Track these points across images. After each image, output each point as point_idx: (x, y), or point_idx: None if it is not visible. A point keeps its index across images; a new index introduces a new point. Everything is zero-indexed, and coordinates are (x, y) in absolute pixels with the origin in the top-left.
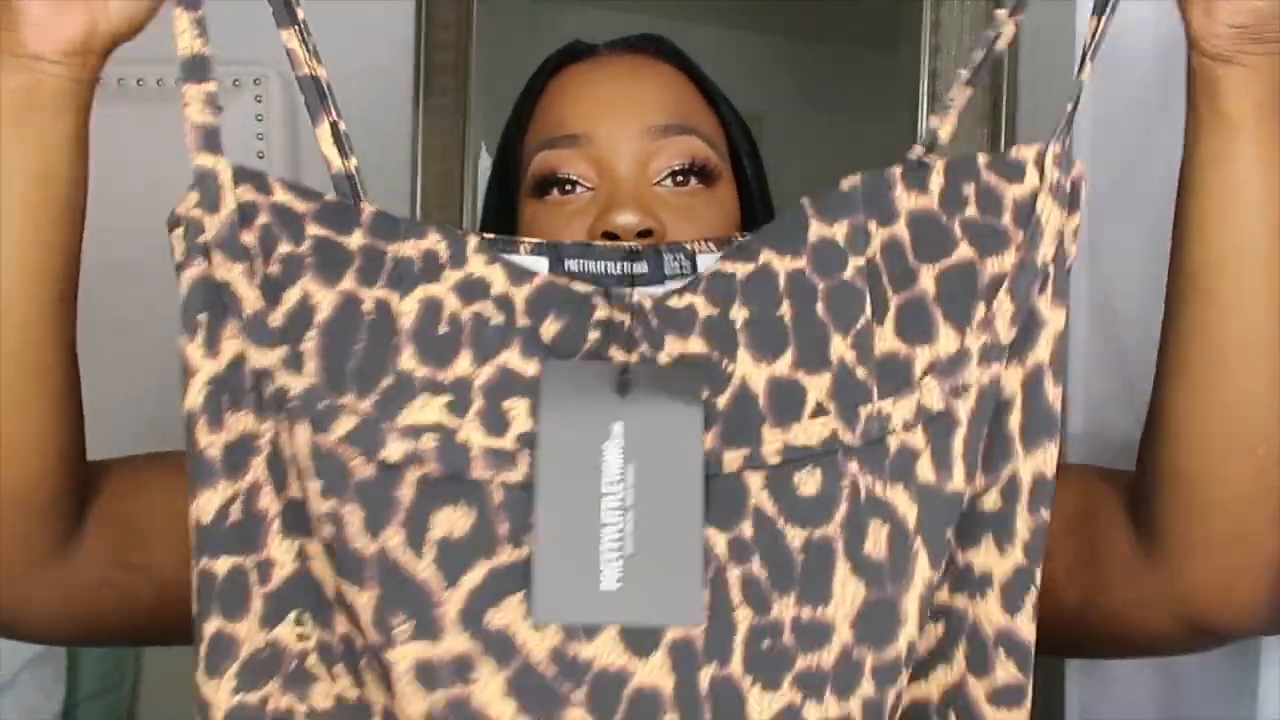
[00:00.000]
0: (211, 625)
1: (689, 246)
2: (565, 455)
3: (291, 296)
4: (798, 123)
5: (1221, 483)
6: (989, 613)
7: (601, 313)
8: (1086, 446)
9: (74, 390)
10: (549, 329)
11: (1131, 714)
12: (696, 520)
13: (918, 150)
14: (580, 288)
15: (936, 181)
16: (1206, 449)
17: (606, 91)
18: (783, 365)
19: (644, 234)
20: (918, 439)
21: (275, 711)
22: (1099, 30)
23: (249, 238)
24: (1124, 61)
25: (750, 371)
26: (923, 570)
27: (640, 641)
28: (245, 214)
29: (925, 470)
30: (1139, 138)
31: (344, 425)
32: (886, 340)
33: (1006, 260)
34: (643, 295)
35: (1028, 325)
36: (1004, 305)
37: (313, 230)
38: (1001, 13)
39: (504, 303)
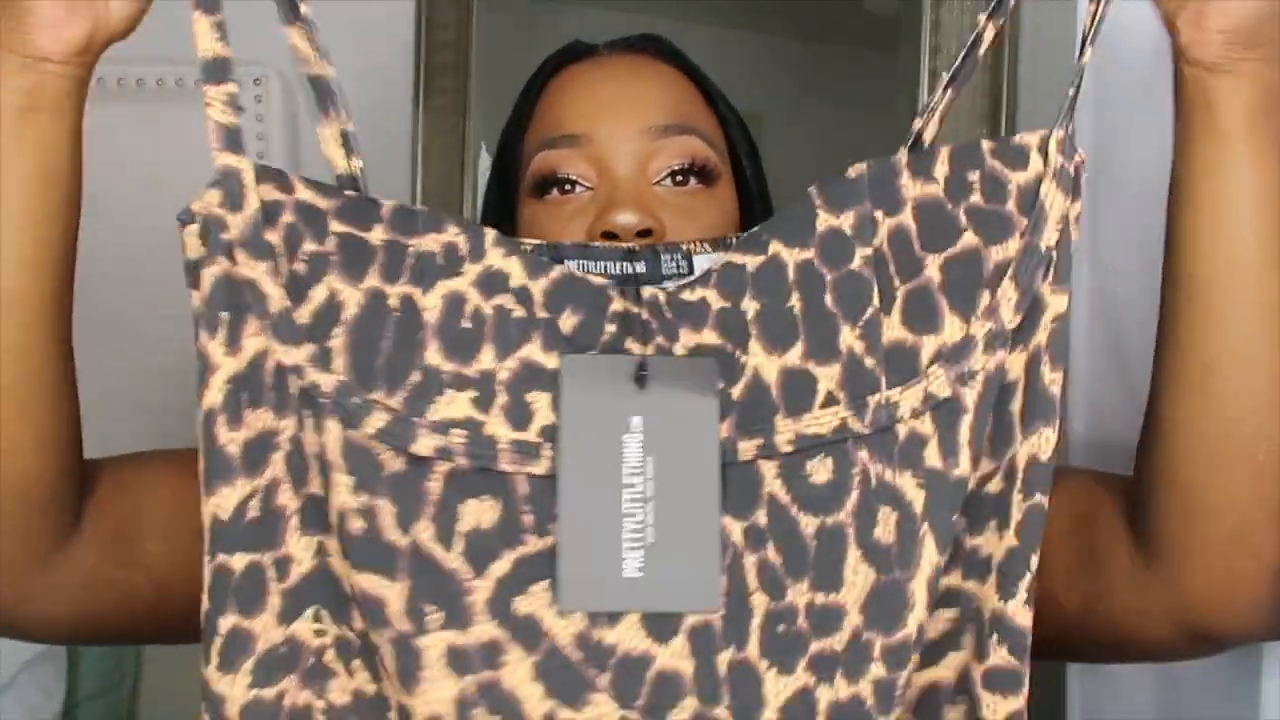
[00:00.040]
0: (228, 621)
1: (685, 247)
2: (587, 449)
3: (318, 294)
4: (798, 123)
5: (1220, 488)
6: (987, 597)
7: (617, 306)
8: (1087, 449)
9: (71, 385)
10: (567, 322)
11: (1133, 715)
12: (714, 510)
13: (903, 153)
14: (596, 280)
15: (941, 169)
16: (1205, 455)
17: (606, 91)
18: (794, 356)
19: (643, 233)
20: (925, 426)
21: (292, 706)
22: (1098, 14)
23: (273, 236)
24: (1124, 59)
25: (762, 362)
26: (929, 555)
27: (661, 627)
28: (268, 213)
29: (933, 457)
30: (1142, 136)
31: (376, 421)
32: (894, 329)
33: (1011, 247)
34: (656, 289)
35: (1031, 310)
36: (1008, 292)
37: (336, 227)
38: (982, 17)
39: (523, 295)
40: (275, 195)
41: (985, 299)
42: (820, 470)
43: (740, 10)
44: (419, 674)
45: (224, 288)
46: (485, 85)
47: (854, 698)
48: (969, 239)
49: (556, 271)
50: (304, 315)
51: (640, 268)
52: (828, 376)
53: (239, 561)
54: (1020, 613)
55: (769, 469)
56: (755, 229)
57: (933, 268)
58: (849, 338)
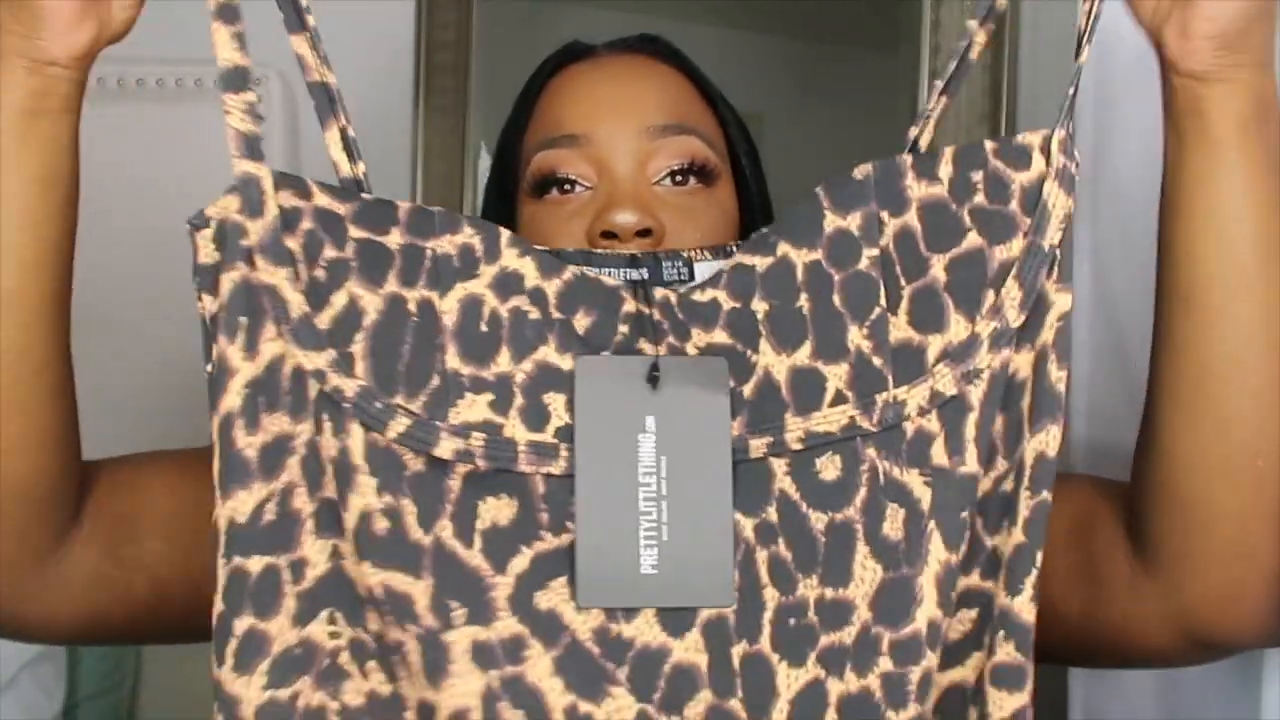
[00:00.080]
0: (243, 622)
1: (686, 254)
2: (602, 450)
3: (338, 300)
4: (798, 123)
5: (1219, 495)
6: (999, 593)
7: (629, 307)
8: (1088, 451)
9: (70, 385)
10: (581, 322)
11: (1135, 715)
12: (726, 508)
13: (906, 155)
14: (609, 282)
15: (946, 170)
16: (1203, 462)
17: (605, 91)
18: (803, 355)
19: (643, 233)
20: (932, 424)
21: (306, 708)
22: (1093, 13)
23: (293, 243)
24: (1123, 58)
25: (772, 361)
26: (937, 551)
27: (676, 621)
28: (288, 219)
29: (939, 454)
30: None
31: (398, 425)
32: (900, 329)
33: (1014, 246)
34: (667, 291)
35: (1036, 309)
36: (1012, 291)
37: (354, 233)
38: (973, 23)
39: (537, 296)
40: (294, 202)
41: (990, 298)
42: (829, 467)
43: (740, 10)
44: (447, 668)
45: (243, 293)
46: (485, 85)
47: (863, 690)
48: (973, 239)
49: (569, 272)
50: (324, 321)
51: (642, 274)
52: (836, 375)
53: (255, 564)
54: (1025, 609)
55: (779, 466)
56: (763, 231)
57: (938, 268)
58: (857, 337)
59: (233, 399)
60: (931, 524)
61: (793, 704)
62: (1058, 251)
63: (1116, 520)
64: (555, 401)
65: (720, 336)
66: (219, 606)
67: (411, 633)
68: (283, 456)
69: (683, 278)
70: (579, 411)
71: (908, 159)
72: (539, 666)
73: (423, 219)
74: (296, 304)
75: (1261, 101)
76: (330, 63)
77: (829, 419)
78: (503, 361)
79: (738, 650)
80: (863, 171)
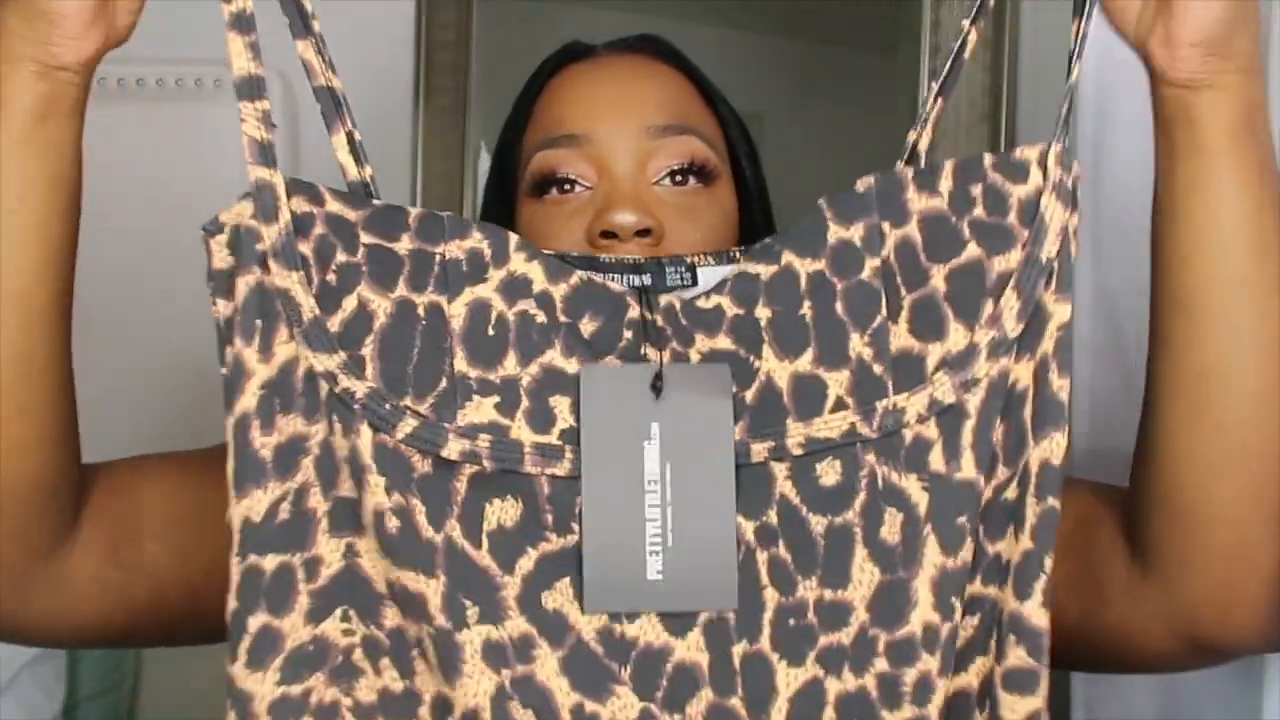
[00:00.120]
0: (257, 620)
1: (689, 259)
2: (608, 457)
3: (349, 304)
4: (798, 123)
5: (1216, 498)
6: (1006, 599)
7: (633, 313)
8: (1090, 454)
9: (70, 387)
10: (587, 327)
11: (1136, 714)
12: (730, 513)
13: (899, 167)
14: (615, 287)
15: (946, 183)
16: (1200, 465)
17: (605, 91)
18: (805, 362)
19: (643, 233)
20: (931, 431)
21: (319, 704)
22: (1080, 33)
23: (305, 247)
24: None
25: (775, 367)
26: (933, 555)
27: (677, 621)
28: (300, 224)
29: (937, 461)
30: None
31: (406, 427)
32: (901, 337)
33: (1013, 258)
34: (672, 297)
35: (1035, 319)
36: (1011, 301)
37: (365, 238)
38: (964, 22)
39: (544, 299)
40: (306, 207)
41: (989, 308)
42: (829, 472)
43: (740, 10)
44: (460, 667)
45: (258, 296)
46: (485, 85)
47: (860, 690)
48: (972, 250)
49: (576, 276)
50: (335, 324)
51: (645, 280)
52: (837, 382)
53: (270, 562)
54: (1037, 613)
55: (780, 470)
56: (767, 240)
57: (938, 278)
58: (858, 345)
59: (248, 400)
60: (928, 528)
61: (792, 702)
62: (1055, 263)
63: (1115, 525)
64: (561, 404)
65: (724, 342)
66: (232, 604)
67: (427, 631)
68: (297, 457)
69: (686, 283)
70: (585, 420)
71: (909, 172)
72: (547, 666)
73: (433, 224)
74: (308, 307)
75: (1251, 107)
76: (333, 65)
77: (830, 425)
78: (509, 365)
79: (738, 650)
80: (864, 184)
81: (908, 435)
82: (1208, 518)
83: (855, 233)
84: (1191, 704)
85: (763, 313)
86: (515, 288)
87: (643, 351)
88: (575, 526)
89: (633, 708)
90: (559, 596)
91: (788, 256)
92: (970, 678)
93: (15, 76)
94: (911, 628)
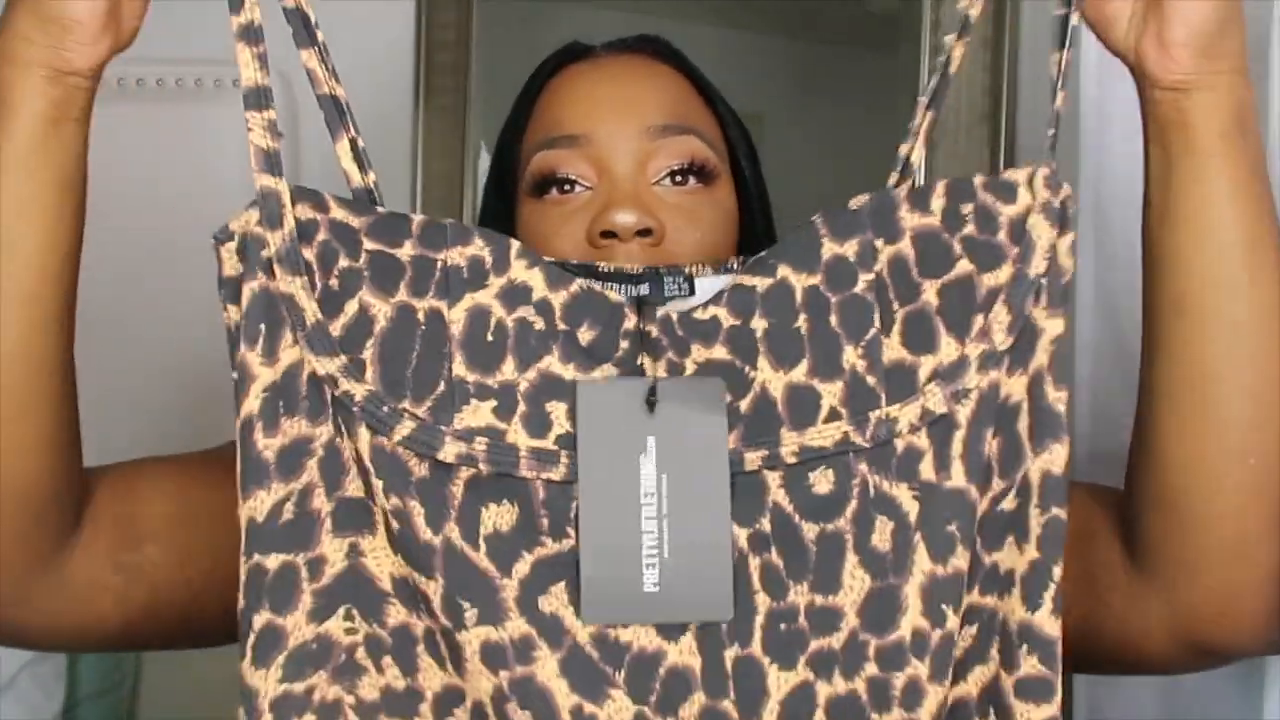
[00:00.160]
0: (261, 618)
1: (687, 270)
2: (605, 471)
3: (350, 308)
4: (798, 123)
5: (1214, 498)
6: (1013, 609)
7: (630, 323)
8: (1091, 457)
9: (73, 388)
10: (584, 335)
11: (1139, 715)
12: (725, 524)
13: (893, 179)
14: (613, 297)
15: (938, 202)
16: (1197, 465)
17: (605, 92)
18: (799, 373)
19: (643, 233)
20: (922, 441)
21: (322, 701)
22: (1063, 62)
23: (309, 253)
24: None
25: (770, 378)
26: (922, 562)
27: (670, 626)
28: (304, 231)
29: (928, 470)
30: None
31: (403, 429)
32: (893, 350)
33: (1002, 274)
34: (669, 309)
35: (1027, 334)
36: (1000, 315)
37: (368, 245)
38: (950, 38)
39: (543, 307)
40: (311, 214)
41: (979, 322)
42: (822, 481)
43: (740, 10)
44: (464, 665)
45: (262, 302)
46: (485, 85)
47: (851, 693)
48: (963, 266)
49: (576, 285)
50: (337, 328)
51: (643, 290)
52: (831, 393)
53: (273, 561)
54: (1048, 622)
55: (773, 479)
56: (762, 254)
57: (930, 293)
58: (851, 357)
59: (252, 403)
60: (918, 536)
61: (783, 705)
62: (1044, 279)
63: (1113, 528)
64: (557, 410)
65: (719, 352)
66: (240, 602)
67: (439, 625)
68: (301, 458)
69: (684, 293)
70: (581, 434)
71: (901, 191)
72: (546, 668)
73: (435, 232)
74: (311, 312)
75: (1242, 107)
76: (335, 69)
77: (823, 434)
78: (507, 370)
79: (730, 653)
80: (858, 202)
81: (899, 445)
82: (1206, 519)
83: (849, 248)
84: (1193, 705)
85: (758, 324)
86: (515, 295)
87: (639, 361)
88: (570, 531)
89: (627, 711)
90: (554, 600)
91: (783, 270)
92: (970, 687)
93: (28, 82)
94: (901, 633)
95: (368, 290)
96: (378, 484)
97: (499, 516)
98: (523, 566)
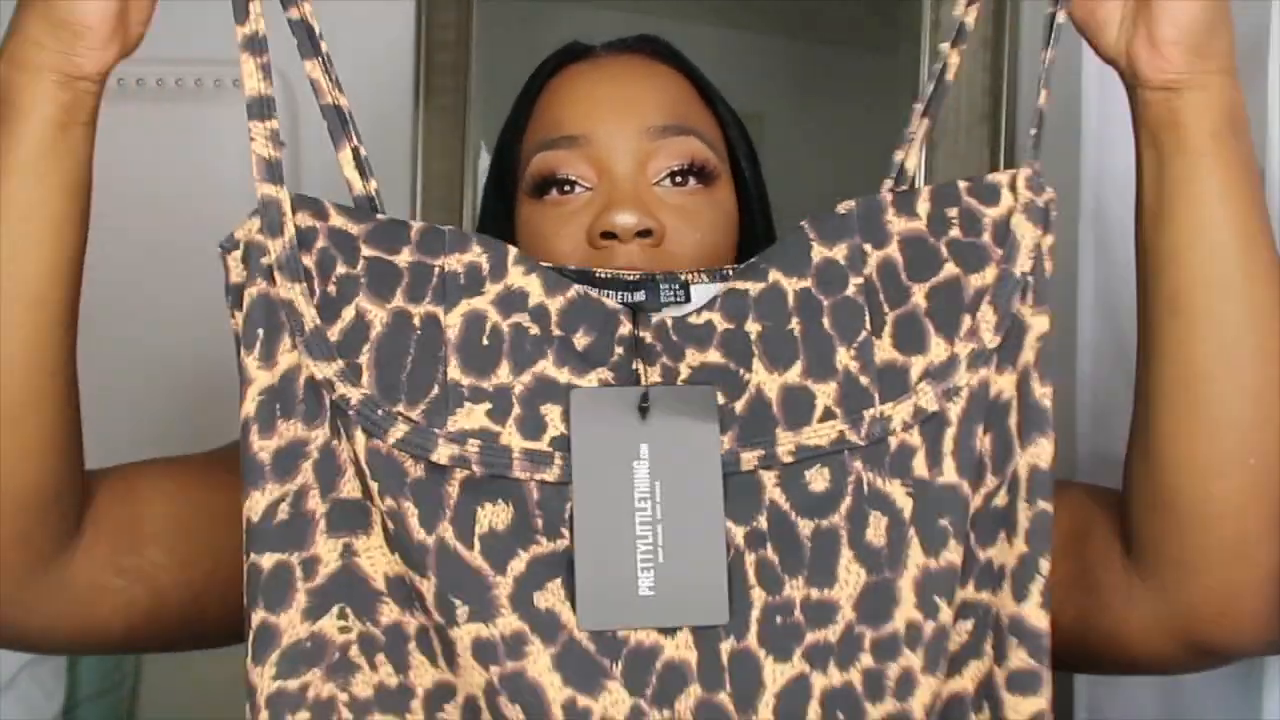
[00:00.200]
0: (257, 616)
1: (683, 277)
2: (600, 478)
3: (348, 314)
4: (798, 123)
5: (1212, 497)
6: (1005, 603)
7: (625, 329)
8: (1093, 457)
9: (76, 392)
10: (580, 341)
11: (1139, 715)
12: (718, 529)
13: (888, 184)
14: (609, 303)
15: (924, 206)
16: (1195, 465)
17: (605, 92)
18: (793, 374)
19: (643, 234)
20: (915, 438)
21: (316, 698)
22: (1047, 60)
23: (308, 260)
24: None
25: (764, 380)
26: (916, 556)
27: None
28: (304, 238)
29: (920, 467)
30: None
31: (397, 432)
32: (885, 350)
33: (988, 275)
34: (664, 314)
35: (1014, 332)
36: (987, 315)
37: (366, 251)
38: (944, 46)
39: (539, 313)
40: (310, 222)
41: (967, 322)
42: (818, 479)
43: (740, 10)
44: (457, 660)
45: (262, 307)
46: (485, 85)
47: (846, 684)
48: (950, 269)
49: (573, 291)
50: (335, 333)
51: (640, 297)
52: (825, 393)
53: (267, 561)
54: (1035, 615)
55: (769, 478)
56: (753, 260)
57: (919, 295)
58: (844, 358)
59: (249, 406)
60: (912, 531)
61: (779, 697)
62: (1029, 278)
63: (1112, 527)
64: (552, 413)
65: (714, 356)
66: (245, 599)
67: (431, 623)
68: (297, 460)
69: (679, 300)
70: (575, 441)
71: (888, 196)
72: (538, 663)
73: (433, 238)
74: (310, 317)
75: (1232, 106)
76: (338, 79)
77: (819, 433)
78: (502, 373)
79: (726, 647)
80: (846, 207)
81: (893, 443)
82: (1205, 518)
83: (839, 252)
84: (1193, 705)
85: (752, 327)
86: (512, 300)
87: (634, 366)
88: (565, 531)
89: (623, 703)
90: (550, 597)
91: (775, 274)
92: (965, 681)
93: (38, 86)
94: (895, 625)
95: (365, 296)
96: (374, 486)
97: (494, 516)
98: (518, 564)
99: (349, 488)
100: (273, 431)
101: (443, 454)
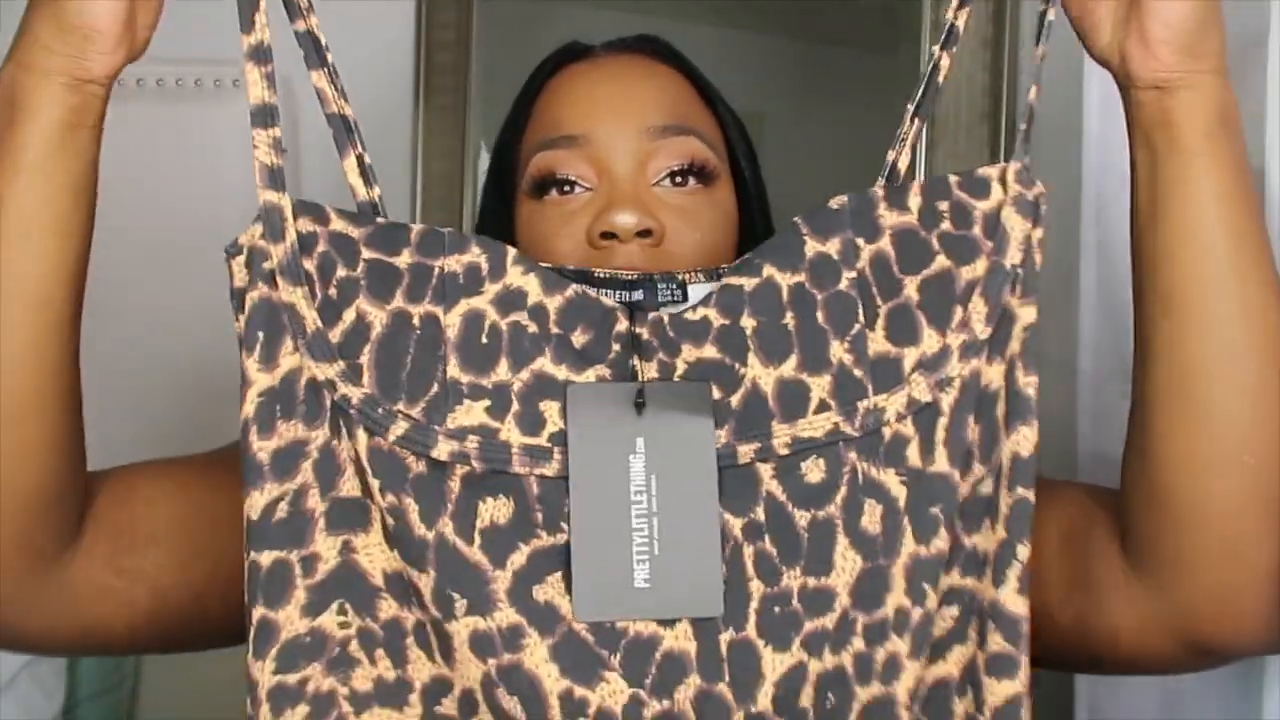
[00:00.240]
0: (257, 612)
1: (680, 277)
2: (596, 472)
3: (349, 316)
4: (798, 123)
5: (1208, 496)
6: (987, 589)
7: (621, 327)
8: (1094, 457)
9: (79, 392)
10: (578, 339)
11: (1140, 715)
12: (713, 522)
13: (880, 184)
14: (606, 302)
15: (915, 200)
16: (1191, 464)
17: (604, 92)
18: (789, 367)
19: (643, 234)
20: (908, 429)
21: (316, 692)
22: (1038, 56)
23: (309, 264)
24: None
25: (760, 373)
26: (908, 544)
27: None
28: (305, 243)
29: (914, 456)
30: None
31: (398, 429)
32: (878, 343)
33: (979, 267)
34: (661, 312)
35: (1004, 323)
36: (979, 306)
37: (366, 254)
38: (934, 48)
39: (537, 311)
40: (311, 227)
41: (959, 313)
42: (814, 470)
43: (740, 10)
44: (454, 654)
45: (264, 311)
46: (485, 85)
47: (838, 667)
48: (941, 261)
49: (571, 290)
50: (336, 335)
51: (638, 296)
52: (820, 385)
53: (266, 558)
54: (1012, 600)
55: (765, 470)
56: (748, 255)
57: (911, 288)
58: (838, 350)
59: (248, 408)
60: (906, 519)
61: (777, 686)
62: (1019, 270)
63: (1110, 527)
64: (550, 409)
65: (710, 351)
66: (245, 596)
67: (428, 618)
68: (297, 460)
69: (676, 299)
70: (572, 436)
71: (880, 192)
72: (535, 655)
73: (433, 240)
74: (311, 320)
75: (1224, 106)
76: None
77: (814, 425)
78: (501, 371)
79: (725, 638)
80: (838, 203)
81: (887, 433)
82: (1200, 514)
83: (832, 247)
84: (1193, 705)
85: (748, 322)
86: (510, 300)
87: (631, 363)
88: (564, 525)
89: (622, 694)
90: (550, 589)
91: (769, 269)
92: (950, 666)
93: (47, 89)
94: (886, 611)
95: (365, 298)
96: (374, 483)
97: (495, 510)
98: (519, 558)
99: (348, 486)
100: (272, 432)
101: (443, 450)
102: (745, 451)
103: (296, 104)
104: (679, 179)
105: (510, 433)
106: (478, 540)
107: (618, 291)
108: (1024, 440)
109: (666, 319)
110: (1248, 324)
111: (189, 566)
